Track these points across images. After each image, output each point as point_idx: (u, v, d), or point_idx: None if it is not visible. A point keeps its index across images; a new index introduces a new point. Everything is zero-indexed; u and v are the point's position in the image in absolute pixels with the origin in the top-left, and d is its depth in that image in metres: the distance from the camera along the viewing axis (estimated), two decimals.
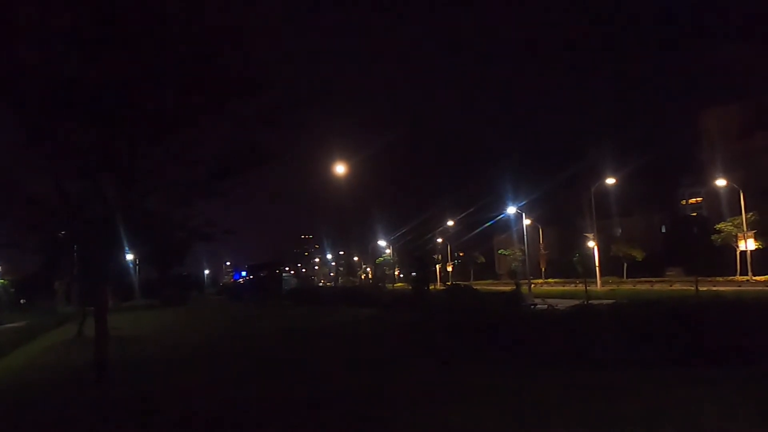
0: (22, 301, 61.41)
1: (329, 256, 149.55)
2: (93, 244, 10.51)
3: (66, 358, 16.39)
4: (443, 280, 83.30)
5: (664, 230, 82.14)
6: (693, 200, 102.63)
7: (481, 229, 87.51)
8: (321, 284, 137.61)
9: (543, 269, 73.14)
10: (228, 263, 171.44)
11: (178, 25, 8.72)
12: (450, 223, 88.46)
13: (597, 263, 53.21)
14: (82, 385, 10.98)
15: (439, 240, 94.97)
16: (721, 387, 8.30)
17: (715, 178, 61.87)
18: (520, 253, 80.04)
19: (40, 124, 9.05)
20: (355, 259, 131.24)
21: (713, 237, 56.88)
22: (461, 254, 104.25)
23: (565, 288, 49.73)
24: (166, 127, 9.30)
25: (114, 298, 40.62)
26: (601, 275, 52.49)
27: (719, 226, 56.29)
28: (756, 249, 51.03)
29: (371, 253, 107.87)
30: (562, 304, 15.09)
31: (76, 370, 13.43)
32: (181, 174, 10.22)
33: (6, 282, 68.82)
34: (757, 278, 47.81)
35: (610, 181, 57.95)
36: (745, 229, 50.92)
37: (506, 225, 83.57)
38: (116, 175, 9.29)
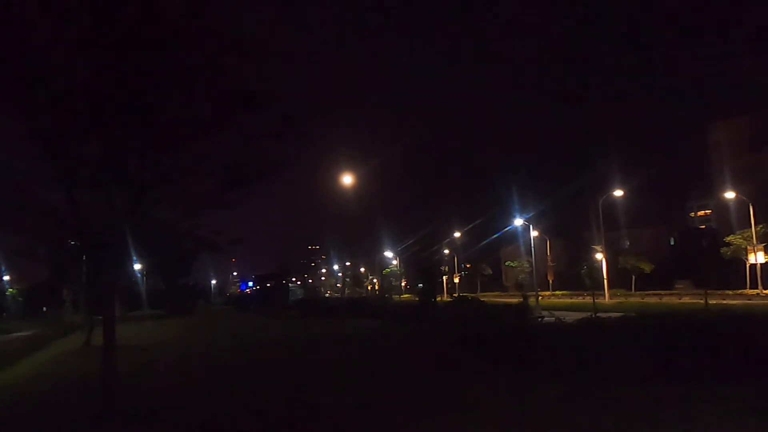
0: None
1: (336, 267, 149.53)
2: (101, 253, 10.56)
3: (73, 368, 16.44)
4: (450, 292, 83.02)
5: (672, 243, 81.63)
6: (702, 213, 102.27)
7: (488, 240, 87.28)
8: (327, 295, 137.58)
9: (550, 281, 72.68)
10: (235, 273, 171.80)
11: (188, 37, 8.81)
12: (457, 234, 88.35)
13: (605, 275, 52.90)
14: (89, 395, 11.01)
15: (446, 251, 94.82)
16: (730, 402, 8.22)
17: (725, 191, 61.61)
18: (528, 265, 79.68)
19: (51, 135, 9.14)
20: (362, 269, 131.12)
21: (723, 250, 56.50)
22: (468, 266, 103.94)
23: (573, 300, 49.41)
24: (176, 139, 9.37)
25: (121, 307, 40.74)
26: (609, 288, 52.17)
27: (729, 238, 55.91)
28: (766, 262, 50.58)
29: (378, 264, 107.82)
30: (570, 316, 14.99)
31: (83, 380, 13.47)
32: (190, 185, 10.28)
33: (15, 291, 69.23)
34: (767, 292, 47.40)
35: (618, 193, 57.71)
36: (755, 242, 50.52)
37: (513, 237, 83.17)
38: (126, 185, 9.36)
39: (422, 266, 57.26)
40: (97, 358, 10.70)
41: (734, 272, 54.57)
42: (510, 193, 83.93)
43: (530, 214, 62.47)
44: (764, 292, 47.58)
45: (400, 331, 20.71)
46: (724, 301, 30.97)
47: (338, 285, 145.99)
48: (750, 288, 50.15)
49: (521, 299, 28.37)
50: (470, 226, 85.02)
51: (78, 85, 8.44)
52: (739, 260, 54.21)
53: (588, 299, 44.13)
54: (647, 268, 68.54)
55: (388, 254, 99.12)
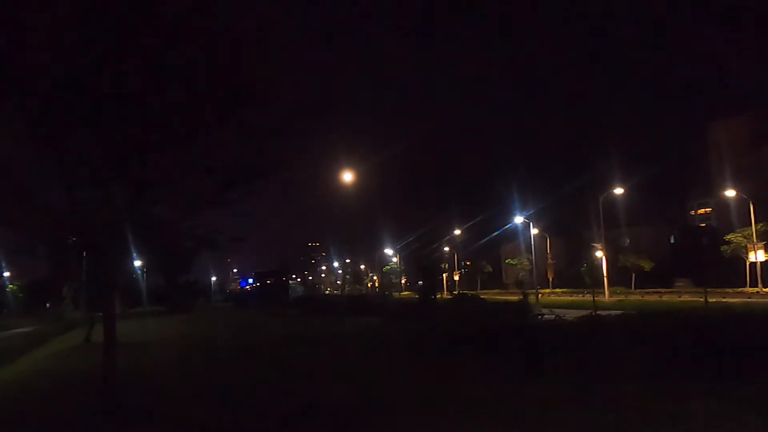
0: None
1: (336, 264, 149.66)
2: (101, 251, 10.57)
3: (73, 365, 16.45)
4: (450, 290, 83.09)
5: (672, 241, 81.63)
6: (702, 211, 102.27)
7: (488, 238, 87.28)
8: (327, 292, 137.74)
9: (550, 279, 72.74)
10: (235, 270, 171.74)
11: (188, 34, 8.79)
12: (457, 232, 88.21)
13: (605, 273, 52.90)
14: (89, 392, 11.02)
15: (446, 249, 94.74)
16: (730, 400, 8.23)
17: (725, 189, 61.61)
18: (528, 263, 79.76)
19: (51, 133, 9.13)
20: (362, 267, 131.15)
21: (722, 248, 56.49)
22: (468, 263, 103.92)
23: (573, 298, 49.48)
24: (176, 137, 9.36)
25: (121, 304, 40.75)
26: (609, 285, 52.18)
27: (729, 237, 55.89)
28: (766, 260, 50.59)
29: (378, 262, 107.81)
30: (570, 314, 15.02)
31: (83, 377, 13.49)
32: (190, 183, 10.28)
33: (15, 287, 69.19)
34: (767, 290, 47.42)
35: (619, 191, 57.69)
36: (755, 240, 50.52)
37: (513, 234, 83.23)
38: (126, 183, 9.35)
39: (422, 264, 57.16)
40: (97, 355, 10.71)
41: (734, 270, 54.57)
42: (510, 191, 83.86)
43: (530, 212, 62.65)
44: (764, 290, 47.59)
45: (400, 329, 20.70)
46: (724, 300, 31.02)
47: (338, 282, 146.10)
48: (750, 286, 50.16)
49: (521, 297, 28.41)
50: (470, 223, 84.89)
51: (77, 83, 8.42)
52: (739, 258, 54.21)
53: (588, 297, 44.21)
54: (647, 266, 68.54)
55: (388, 251, 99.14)
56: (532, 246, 56.76)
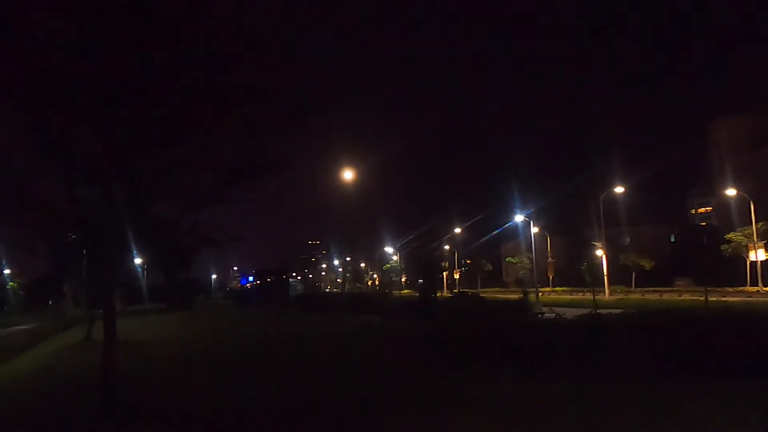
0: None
1: (336, 262, 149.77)
2: (102, 248, 10.55)
3: (73, 363, 16.46)
4: (450, 288, 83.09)
5: (673, 240, 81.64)
6: (702, 210, 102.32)
7: (488, 236, 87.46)
8: (328, 290, 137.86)
9: (551, 277, 72.72)
10: (235, 268, 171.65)
11: (189, 31, 8.78)
12: (457, 230, 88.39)
13: (605, 272, 52.88)
14: (89, 391, 11.01)
15: (447, 247, 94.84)
16: (730, 399, 8.22)
17: (725, 188, 61.58)
18: (528, 261, 79.81)
19: (50, 129, 9.12)
20: (362, 265, 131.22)
21: (723, 247, 56.47)
22: (468, 262, 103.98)
23: (573, 297, 49.46)
24: (176, 133, 9.34)
25: (122, 302, 40.76)
26: (610, 284, 52.17)
27: (729, 236, 55.87)
28: (766, 259, 50.57)
29: (378, 260, 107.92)
30: (570, 313, 14.99)
31: (83, 375, 13.48)
32: (190, 180, 10.27)
33: (15, 285, 69.25)
34: (767, 289, 47.41)
35: (619, 189, 57.66)
36: (755, 239, 50.49)
37: (514, 233, 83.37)
38: (126, 180, 9.34)
39: (423, 262, 57.27)
40: (97, 352, 10.69)
41: (734, 270, 54.55)
42: (510, 190, 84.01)
43: (530, 211, 62.67)
44: (764, 289, 47.58)
45: (400, 328, 20.69)
46: (724, 299, 31.05)
47: (338, 280, 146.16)
48: (750, 285, 50.16)
49: (521, 295, 28.49)
50: (471, 222, 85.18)
51: (77, 80, 8.41)
52: (739, 257, 54.20)
53: (588, 296, 44.20)
54: (648, 265, 68.57)
55: (389, 250, 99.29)
56: (533, 244, 56.75)
